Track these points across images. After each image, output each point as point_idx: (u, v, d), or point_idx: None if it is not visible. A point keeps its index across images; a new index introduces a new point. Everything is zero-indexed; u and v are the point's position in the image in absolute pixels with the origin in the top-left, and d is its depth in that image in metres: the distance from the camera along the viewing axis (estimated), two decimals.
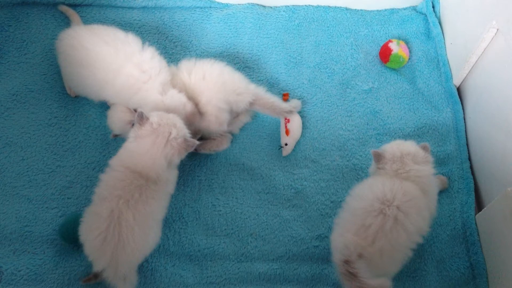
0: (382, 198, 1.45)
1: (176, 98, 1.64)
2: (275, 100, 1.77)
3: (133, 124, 1.55)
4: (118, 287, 1.45)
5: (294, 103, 1.81)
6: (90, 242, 1.43)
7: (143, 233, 1.46)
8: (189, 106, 1.64)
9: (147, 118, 1.49)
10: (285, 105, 1.77)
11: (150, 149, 1.47)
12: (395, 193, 1.45)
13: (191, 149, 1.52)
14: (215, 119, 1.68)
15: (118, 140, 1.76)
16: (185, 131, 1.51)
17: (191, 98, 1.69)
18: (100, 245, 1.41)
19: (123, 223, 1.40)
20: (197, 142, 1.52)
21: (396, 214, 1.43)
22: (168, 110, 1.59)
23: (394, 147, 1.59)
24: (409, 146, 1.59)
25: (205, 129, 1.71)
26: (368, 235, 1.42)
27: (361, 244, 1.40)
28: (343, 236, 1.42)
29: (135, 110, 1.63)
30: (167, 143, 1.47)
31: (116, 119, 1.67)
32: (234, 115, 1.77)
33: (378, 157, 1.57)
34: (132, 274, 1.47)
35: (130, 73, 1.63)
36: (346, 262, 1.36)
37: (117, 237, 1.40)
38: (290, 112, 1.77)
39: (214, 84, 1.70)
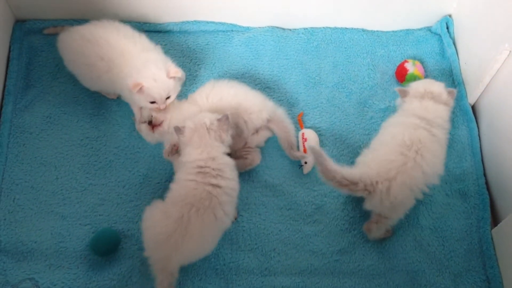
0: (402, 145, 1.64)
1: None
2: (290, 127, 1.84)
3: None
4: (159, 279, 1.53)
5: (302, 154, 1.85)
6: (152, 236, 1.55)
7: (205, 240, 1.57)
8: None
9: (183, 127, 1.63)
10: (294, 139, 1.85)
11: (201, 141, 1.61)
12: (413, 140, 1.64)
13: (230, 122, 1.65)
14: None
15: (146, 160, 1.85)
16: (214, 116, 1.66)
17: None
18: (161, 242, 1.52)
19: (190, 229, 1.51)
20: (228, 113, 1.66)
21: (414, 156, 1.62)
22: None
23: (421, 84, 1.80)
24: (435, 86, 1.78)
25: None
26: (391, 168, 1.60)
27: (383, 176, 1.60)
28: (368, 167, 1.63)
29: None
30: (209, 130, 1.62)
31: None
32: (253, 131, 1.82)
33: (404, 93, 1.80)
34: (176, 271, 1.56)
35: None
36: (354, 184, 1.59)
37: (180, 240, 1.51)
38: (295, 155, 1.83)
39: (229, 105, 1.77)
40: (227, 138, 1.66)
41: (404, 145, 1.64)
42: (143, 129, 1.78)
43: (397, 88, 1.82)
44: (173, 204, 1.55)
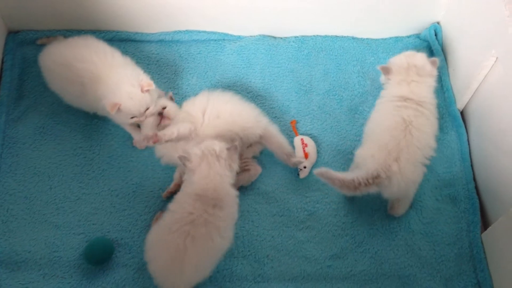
0: (389, 128, 1.67)
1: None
2: (283, 140, 1.85)
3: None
4: None
5: (299, 159, 1.85)
6: (156, 268, 1.54)
7: (204, 265, 1.56)
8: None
9: (189, 154, 1.60)
10: (290, 149, 1.85)
11: (210, 169, 1.58)
12: (397, 122, 1.68)
13: (238, 151, 1.64)
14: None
15: (139, 169, 1.86)
16: (223, 144, 1.63)
17: (202, 135, 1.75)
18: (165, 271, 1.52)
19: (187, 259, 1.50)
20: (237, 143, 1.65)
21: (404, 135, 1.65)
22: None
23: (403, 58, 1.79)
24: (418, 58, 1.78)
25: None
26: (391, 150, 1.62)
27: (391, 158, 1.61)
28: (374, 157, 1.63)
29: None
30: (219, 158, 1.59)
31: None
32: (246, 145, 1.83)
33: (386, 71, 1.79)
34: None
35: None
36: (377, 177, 1.59)
37: (179, 270, 1.50)
38: (294, 162, 1.83)
39: (225, 123, 1.77)
40: (236, 167, 1.65)
41: (391, 128, 1.67)
42: (150, 120, 1.77)
43: (379, 66, 1.83)
44: (170, 231, 1.52)
